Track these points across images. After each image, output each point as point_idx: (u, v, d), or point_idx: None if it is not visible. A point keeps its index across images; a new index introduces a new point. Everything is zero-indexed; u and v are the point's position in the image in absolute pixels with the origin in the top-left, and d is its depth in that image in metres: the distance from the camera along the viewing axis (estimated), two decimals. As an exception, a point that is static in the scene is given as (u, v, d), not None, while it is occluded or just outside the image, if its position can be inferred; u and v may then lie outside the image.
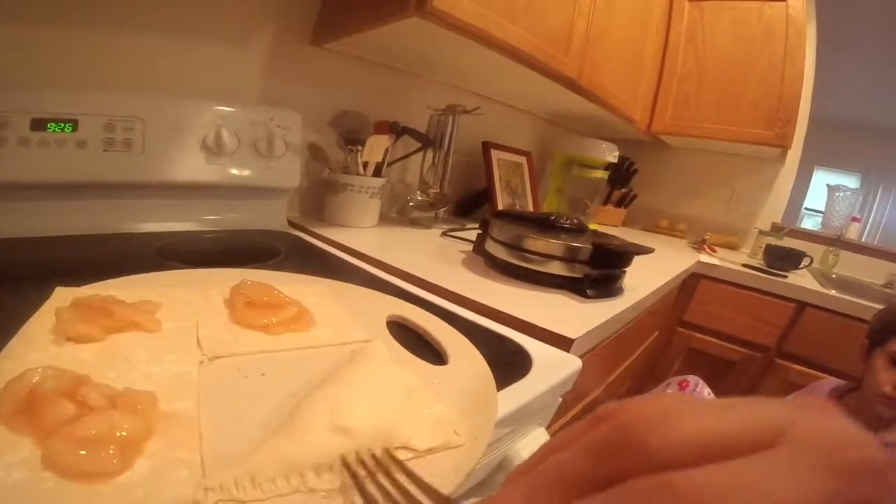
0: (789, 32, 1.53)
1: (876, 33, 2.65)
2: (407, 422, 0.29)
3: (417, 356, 0.40)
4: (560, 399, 0.50)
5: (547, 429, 0.49)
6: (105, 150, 0.63)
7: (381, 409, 0.28)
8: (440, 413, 0.31)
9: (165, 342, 0.35)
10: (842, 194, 2.25)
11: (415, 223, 1.10)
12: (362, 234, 0.91)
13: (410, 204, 1.08)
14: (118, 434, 0.25)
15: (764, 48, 1.57)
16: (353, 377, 0.31)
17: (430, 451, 0.28)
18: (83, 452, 0.23)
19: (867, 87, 3.51)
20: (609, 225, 1.83)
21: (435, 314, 0.49)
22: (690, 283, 1.45)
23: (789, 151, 1.76)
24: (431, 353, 0.43)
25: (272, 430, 0.27)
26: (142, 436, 0.25)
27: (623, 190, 1.90)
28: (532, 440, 0.44)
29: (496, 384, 0.37)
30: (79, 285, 0.40)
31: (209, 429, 0.27)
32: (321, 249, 0.77)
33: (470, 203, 1.40)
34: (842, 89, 3.39)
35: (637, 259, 0.77)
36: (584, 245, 0.71)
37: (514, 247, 0.74)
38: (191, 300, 0.41)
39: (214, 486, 0.23)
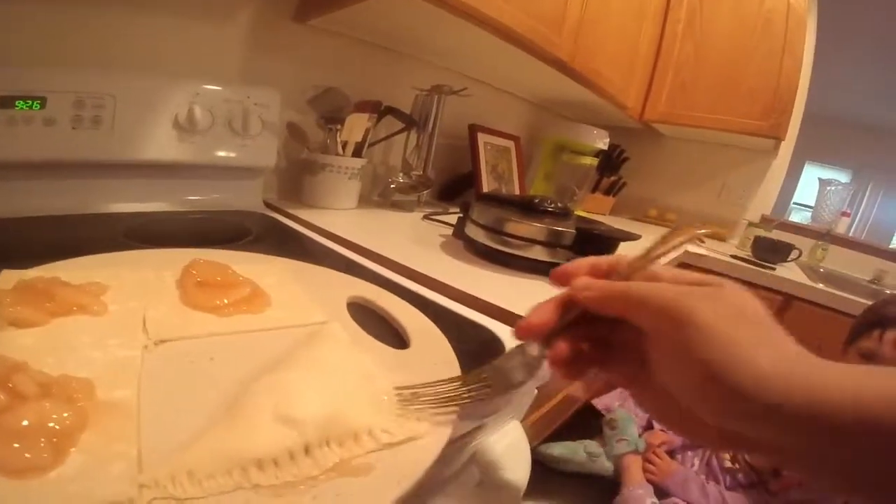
0: (789, 23, 1.51)
1: (875, 32, 2.63)
2: (364, 411, 0.27)
3: (378, 339, 0.38)
4: (535, 391, 0.49)
5: (521, 421, 0.47)
6: (74, 128, 0.60)
7: (334, 397, 0.27)
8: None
9: (110, 326, 0.33)
10: (833, 188, 2.25)
11: (396, 206, 1.07)
12: (340, 216, 0.89)
13: (392, 186, 1.05)
14: (50, 425, 0.23)
15: (763, 37, 1.54)
16: (305, 362, 0.30)
17: (390, 442, 0.27)
18: (17, 445, 0.21)
19: (863, 85, 3.51)
20: (597, 213, 1.81)
21: (406, 299, 0.47)
22: (677, 273, 1.45)
23: (782, 144, 1.75)
24: (393, 336, 0.41)
25: (214, 421, 0.25)
26: (76, 427, 0.24)
27: (612, 178, 1.88)
28: (505, 433, 0.43)
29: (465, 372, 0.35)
30: (33, 267, 0.38)
31: (149, 418, 0.25)
32: (295, 231, 0.75)
33: (454, 187, 1.37)
34: (838, 85, 3.39)
35: (623, 247, 0.76)
36: (567, 229, 0.70)
37: (495, 230, 0.71)
38: (142, 281, 0.39)
39: (149, 483, 0.21)
